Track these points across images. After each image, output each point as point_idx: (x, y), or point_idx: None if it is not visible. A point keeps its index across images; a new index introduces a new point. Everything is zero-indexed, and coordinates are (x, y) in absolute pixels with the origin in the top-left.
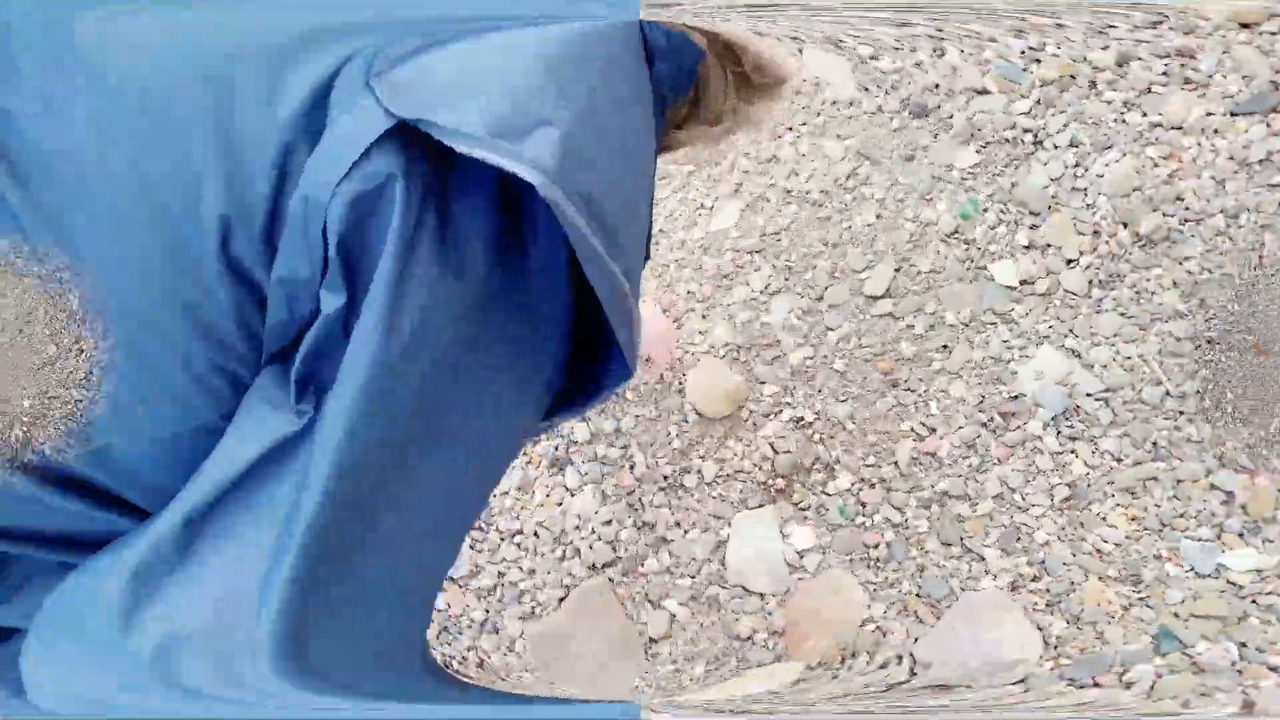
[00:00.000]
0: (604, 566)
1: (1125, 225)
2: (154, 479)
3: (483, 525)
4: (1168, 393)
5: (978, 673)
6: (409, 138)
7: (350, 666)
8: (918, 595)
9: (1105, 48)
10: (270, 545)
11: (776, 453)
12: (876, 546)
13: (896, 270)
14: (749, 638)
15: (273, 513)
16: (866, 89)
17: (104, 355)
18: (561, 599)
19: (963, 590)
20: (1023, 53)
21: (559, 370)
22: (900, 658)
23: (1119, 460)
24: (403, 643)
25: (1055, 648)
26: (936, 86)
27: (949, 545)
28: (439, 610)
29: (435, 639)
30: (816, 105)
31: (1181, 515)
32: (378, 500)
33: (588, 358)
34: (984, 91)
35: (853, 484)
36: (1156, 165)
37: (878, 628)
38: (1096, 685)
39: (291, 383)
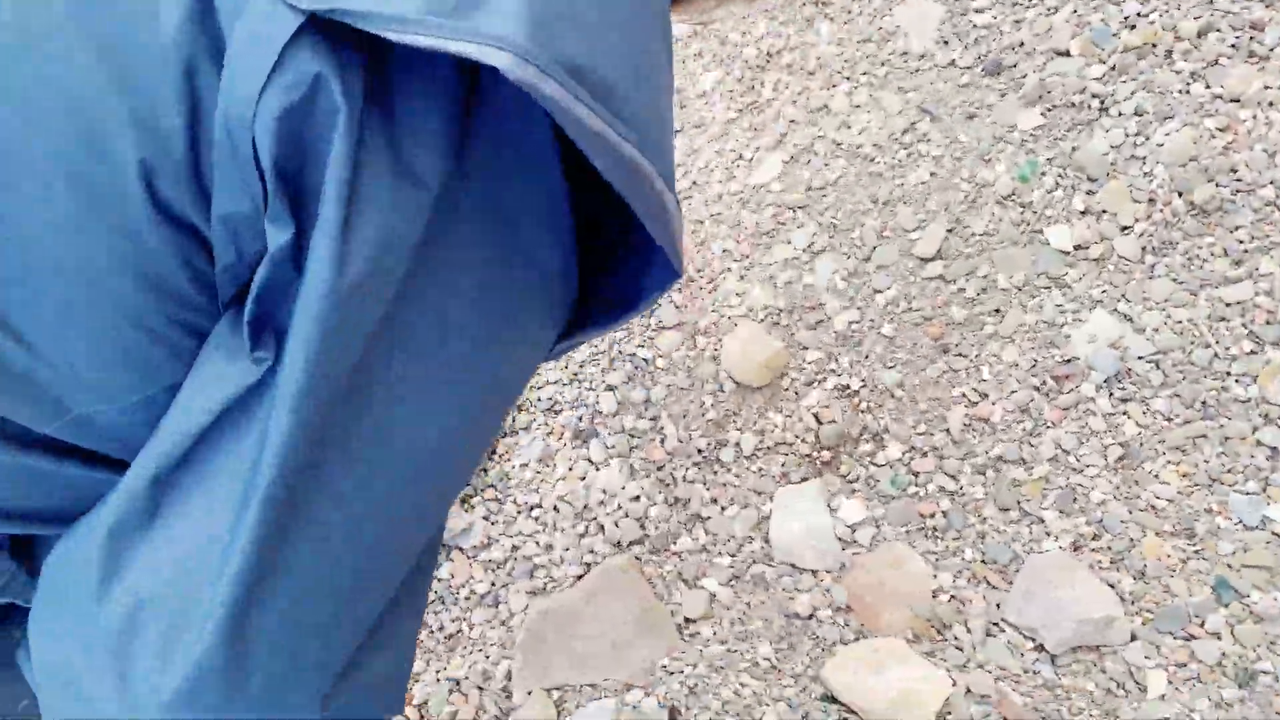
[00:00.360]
0: (630, 544)
1: (1180, 194)
2: (140, 437)
3: (499, 497)
4: (1216, 355)
5: (1079, 631)
6: (330, 31)
7: (286, 645)
8: (983, 562)
9: (1198, 17)
10: (236, 503)
11: (821, 423)
12: (933, 516)
13: (949, 231)
14: (810, 616)
15: (239, 468)
16: (945, 41)
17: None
18: (579, 576)
19: (1027, 553)
20: (1125, 18)
21: (567, 277)
22: (997, 624)
23: (1170, 420)
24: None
25: (1132, 603)
26: (1021, 45)
27: (1007, 510)
28: (439, 579)
29: (426, 607)
30: (883, 55)
31: (1230, 471)
32: (349, 448)
33: (621, 261)
34: (1064, 53)
35: (904, 453)
36: (1213, 136)
37: (952, 597)
38: (1191, 638)
39: (244, 327)
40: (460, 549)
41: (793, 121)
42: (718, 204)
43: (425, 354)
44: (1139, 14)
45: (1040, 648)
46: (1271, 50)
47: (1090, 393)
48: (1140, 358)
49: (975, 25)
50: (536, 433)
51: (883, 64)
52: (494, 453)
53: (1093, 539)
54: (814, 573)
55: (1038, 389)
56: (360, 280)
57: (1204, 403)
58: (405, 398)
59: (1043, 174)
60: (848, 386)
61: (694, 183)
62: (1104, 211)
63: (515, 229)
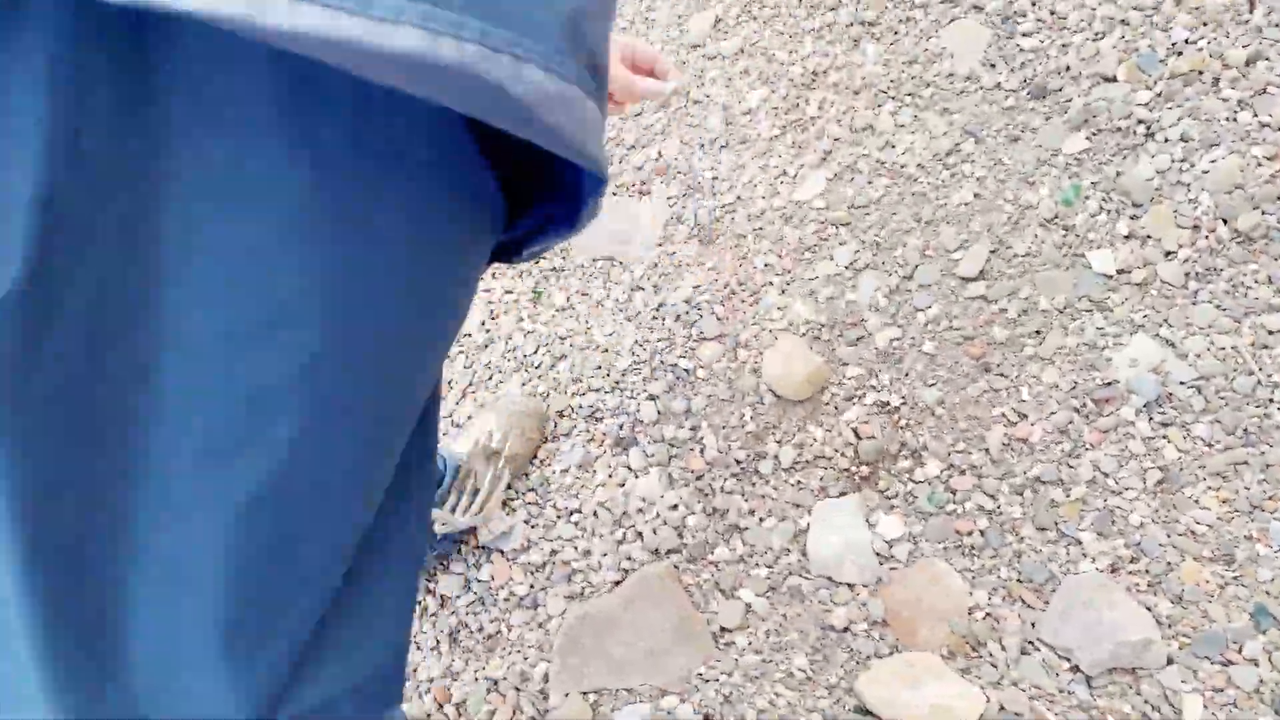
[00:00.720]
0: (668, 552)
1: (1225, 221)
2: None
3: (539, 501)
4: (1259, 382)
5: (1116, 653)
6: None
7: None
8: (1019, 580)
9: (1246, 45)
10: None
11: (860, 439)
12: (970, 534)
13: (992, 252)
14: (846, 629)
15: None
16: (991, 64)
17: None
18: (617, 583)
19: (1063, 574)
20: (1173, 44)
21: (457, 170)
22: (1033, 643)
23: (1210, 445)
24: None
25: (1169, 627)
26: (1067, 69)
27: (1044, 530)
28: (479, 580)
29: (466, 608)
30: (929, 76)
31: (1271, 498)
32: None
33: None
34: (1111, 79)
35: (942, 471)
36: (1260, 165)
37: (988, 615)
38: (1229, 664)
39: None
40: (500, 552)
41: (837, 140)
42: (760, 219)
43: (227, 318)
44: (1187, 41)
45: (1075, 668)
46: None
47: (1130, 416)
48: (1182, 383)
49: (1021, 49)
50: (577, 439)
51: (928, 85)
52: (535, 457)
53: (1130, 561)
54: (850, 586)
55: (1077, 411)
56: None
57: (1245, 429)
58: (226, 383)
59: (1086, 198)
60: (888, 403)
61: (738, 197)
62: (1148, 236)
63: (363, 127)
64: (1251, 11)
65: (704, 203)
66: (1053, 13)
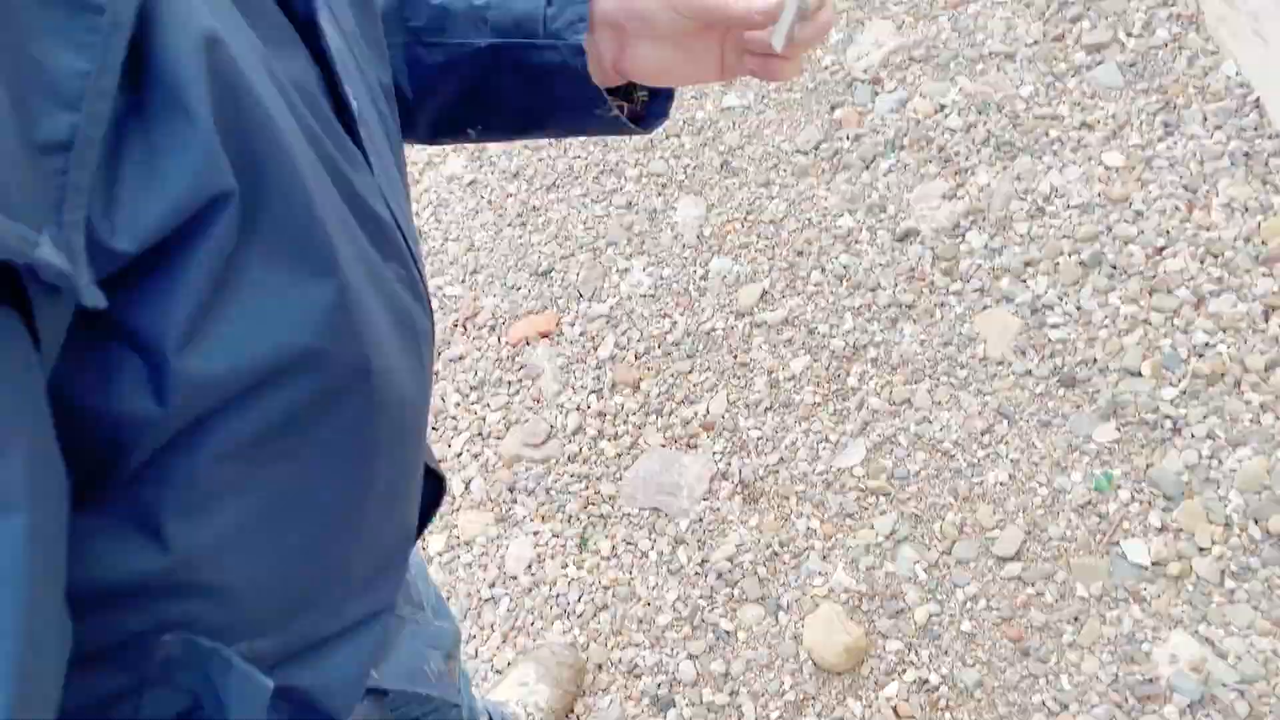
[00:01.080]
0: None
1: (1256, 521)
2: None
3: None
4: None
5: None
6: None
7: None
8: None
9: (1264, 352)
10: None
11: (900, 718)
12: None
13: (1027, 534)
14: None
15: None
16: (1023, 352)
17: None
18: None
19: None
20: (1194, 346)
21: None
22: None
23: None
24: None
25: None
26: (1094, 360)
27: None
28: None
29: None
30: (963, 359)
31: None
32: None
33: None
34: (1136, 373)
35: None
36: None
37: None
38: None
39: None
40: None
41: (876, 411)
42: (803, 481)
43: None
44: (1207, 344)
45: None
46: None
47: (1174, 716)
48: (1224, 685)
49: (1050, 340)
50: (615, 695)
51: (962, 366)
52: (571, 711)
53: None
54: None
55: (1119, 706)
56: None
57: None
58: None
59: (1118, 487)
60: (927, 681)
61: (780, 459)
62: (1180, 530)
63: None
64: (1267, 321)
65: (748, 461)
66: (1078, 308)
